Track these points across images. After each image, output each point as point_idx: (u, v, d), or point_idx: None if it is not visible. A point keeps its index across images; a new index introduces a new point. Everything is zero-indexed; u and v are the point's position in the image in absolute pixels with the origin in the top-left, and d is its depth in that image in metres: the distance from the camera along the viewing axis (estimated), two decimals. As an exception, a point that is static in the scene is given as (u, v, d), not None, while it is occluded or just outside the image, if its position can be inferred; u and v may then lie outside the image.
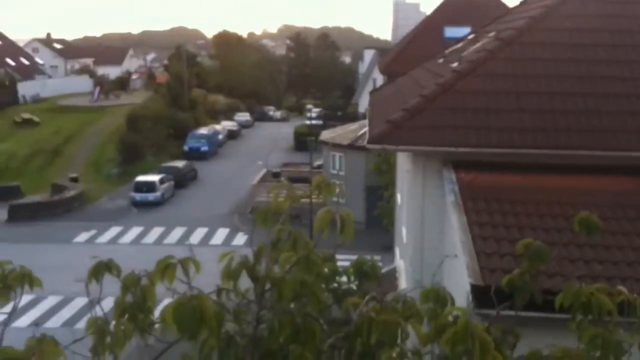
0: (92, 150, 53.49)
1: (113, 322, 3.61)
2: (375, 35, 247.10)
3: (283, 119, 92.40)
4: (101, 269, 3.83)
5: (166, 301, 3.36)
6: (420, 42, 35.61)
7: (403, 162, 16.29)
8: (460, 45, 17.62)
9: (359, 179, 36.66)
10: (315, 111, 77.92)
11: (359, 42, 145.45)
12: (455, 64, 13.73)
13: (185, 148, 58.66)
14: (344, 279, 4.57)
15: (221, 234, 36.06)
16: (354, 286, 4.55)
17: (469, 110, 12.02)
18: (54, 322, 23.33)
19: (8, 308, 3.97)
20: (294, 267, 3.89)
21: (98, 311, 3.66)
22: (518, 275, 4.20)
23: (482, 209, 9.91)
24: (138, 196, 42.62)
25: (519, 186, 10.61)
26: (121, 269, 4.00)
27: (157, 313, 3.87)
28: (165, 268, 3.36)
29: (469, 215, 9.65)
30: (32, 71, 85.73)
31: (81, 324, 19.73)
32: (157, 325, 3.78)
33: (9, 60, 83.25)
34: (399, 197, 18.94)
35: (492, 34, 14.95)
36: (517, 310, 4.21)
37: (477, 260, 8.45)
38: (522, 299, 4.18)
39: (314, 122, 64.40)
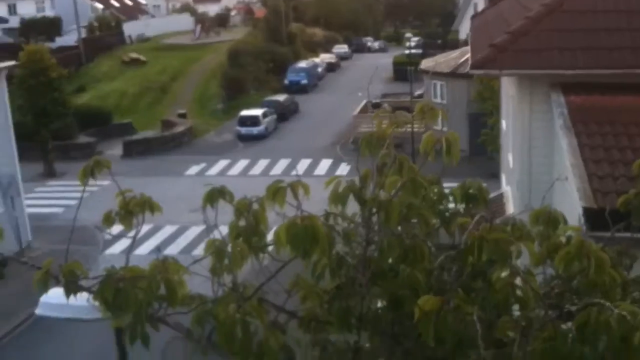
0: (197, 86, 54.79)
1: (229, 245, 3.79)
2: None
3: (381, 50, 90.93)
4: (215, 195, 3.99)
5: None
6: (525, -40, 33.77)
7: (507, 87, 15.81)
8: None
9: (461, 107, 35.90)
10: (414, 40, 76.17)
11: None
12: (563, -19, 13.02)
13: (286, 82, 59.07)
14: (451, 205, 4.56)
15: (324, 164, 36.50)
16: (460, 209, 4.54)
17: (577, 31, 11.48)
18: (172, 250, 24.57)
19: (128, 240, 4.23)
20: (400, 190, 3.92)
21: (215, 235, 3.84)
22: (634, 195, 4.08)
23: (593, 131, 9.54)
24: (243, 130, 43.58)
25: (632, 107, 10.11)
26: (234, 196, 4.16)
27: (269, 238, 4.03)
28: (276, 192, 3.47)
29: (580, 138, 9.32)
30: (135, 11, 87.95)
31: (197, 251, 20.74)
32: (270, 248, 3.94)
33: (113, 2, 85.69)
34: (503, 123, 18.47)
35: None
36: (633, 232, 4.10)
37: (589, 183, 8.20)
38: (638, 220, 4.06)
39: (413, 51, 63.11)
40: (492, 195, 17.05)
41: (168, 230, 27.07)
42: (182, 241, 26.25)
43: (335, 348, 4.34)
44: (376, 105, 43.35)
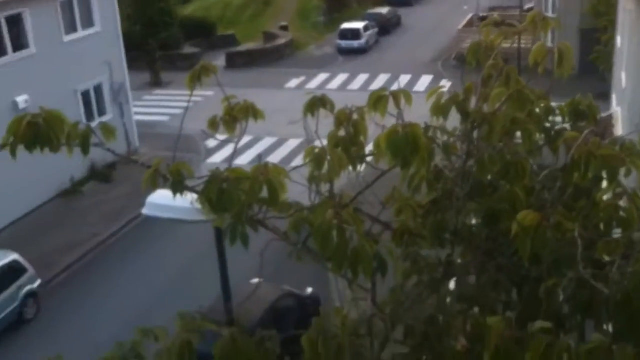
0: (299, -2, 54.32)
1: (328, 154, 3.81)
2: None
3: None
4: (316, 104, 4.02)
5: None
6: None
7: (625, 0, 14.82)
8: None
9: (573, 22, 34.00)
10: (527, -51, 72.01)
11: None
12: None
13: (389, -6, 57.65)
14: (558, 120, 4.39)
15: (425, 80, 35.82)
16: (567, 127, 4.36)
17: None
18: (271, 160, 25.03)
19: (229, 150, 4.33)
20: (505, 104, 3.80)
21: (316, 144, 3.87)
22: None
23: None
24: (343, 43, 43.14)
25: None
26: (334, 105, 4.17)
27: (367, 149, 4.04)
28: (378, 100, 3.43)
29: None
30: None
31: (295, 163, 21.11)
32: (369, 159, 3.95)
33: None
34: (618, 40, 17.43)
35: None
36: None
37: None
38: None
39: (525, -39, 59.71)
40: (601, 115, 16.31)
41: (267, 141, 27.58)
42: (281, 152, 26.75)
43: (426, 262, 4.37)
44: (483, 19, 41.73)
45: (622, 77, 14.71)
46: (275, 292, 15.07)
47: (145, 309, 16.80)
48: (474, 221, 4.10)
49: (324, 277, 18.21)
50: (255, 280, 14.53)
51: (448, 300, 4.25)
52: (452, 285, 4.59)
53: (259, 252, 3.70)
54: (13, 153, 2.84)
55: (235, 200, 2.99)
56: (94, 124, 3.22)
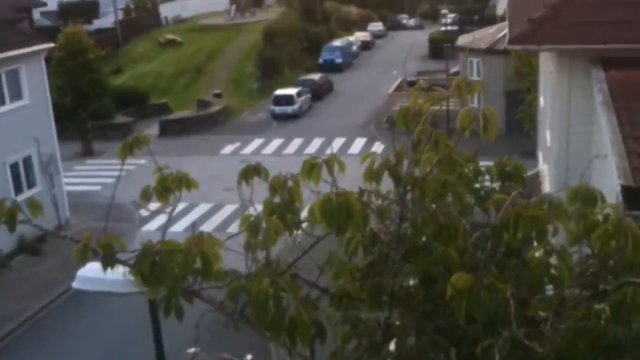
0: (232, 66, 54.89)
1: (264, 221, 3.80)
2: None
3: (417, 27, 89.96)
4: (250, 172, 4.02)
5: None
6: None
7: (546, 63, 15.55)
8: None
9: (498, 84, 35.42)
10: (450, 17, 75.32)
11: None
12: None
13: (320, 61, 58.91)
14: (487, 183, 4.51)
15: (359, 143, 36.42)
16: (496, 187, 4.49)
17: (618, 4, 11.21)
18: (207, 227, 24.67)
19: (164, 217, 4.28)
20: (435, 167, 3.89)
21: (250, 211, 3.86)
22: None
23: (634, 107, 9.33)
24: (277, 109, 43.68)
25: (676, 83, 9.85)
26: (268, 172, 4.18)
27: (303, 215, 4.04)
28: (312, 168, 3.46)
29: (620, 114, 9.12)
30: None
31: (232, 229, 20.93)
32: (304, 225, 3.95)
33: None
34: (542, 100, 18.20)
35: None
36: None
37: (629, 161, 8.04)
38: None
39: (449, 28, 62.25)
40: (528, 173, 16.83)
41: (203, 208, 27.32)
42: (216, 219, 26.48)
43: (365, 325, 4.35)
44: (411, 83, 43.01)
45: (546, 136, 15.30)
46: (214, 362, 14.70)
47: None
48: (411, 282, 4.12)
49: (264, 344, 17.87)
50: (192, 350, 14.12)
51: (389, 363, 4.22)
52: (392, 347, 4.57)
53: (195, 323, 3.62)
54: None
55: (169, 273, 2.93)
56: (23, 196, 3.14)
